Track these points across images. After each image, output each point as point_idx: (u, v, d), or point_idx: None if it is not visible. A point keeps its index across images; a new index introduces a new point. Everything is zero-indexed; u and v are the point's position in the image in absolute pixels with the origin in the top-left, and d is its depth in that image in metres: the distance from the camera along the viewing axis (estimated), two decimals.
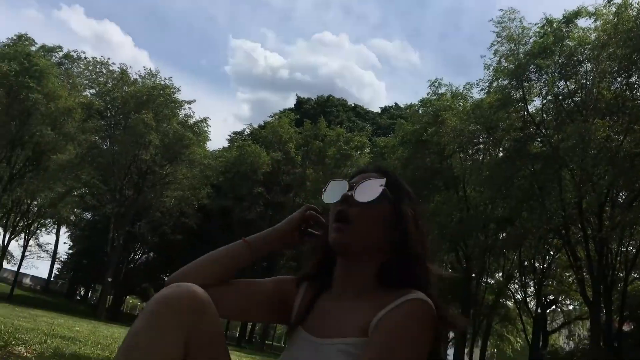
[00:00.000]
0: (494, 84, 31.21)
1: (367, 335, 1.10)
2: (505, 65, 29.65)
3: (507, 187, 29.91)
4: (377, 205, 1.19)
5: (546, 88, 28.67)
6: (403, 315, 1.10)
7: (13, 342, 6.63)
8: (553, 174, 26.91)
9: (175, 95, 40.51)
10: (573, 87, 28.11)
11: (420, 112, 39.97)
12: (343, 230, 1.17)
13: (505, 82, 30.06)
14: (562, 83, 28.34)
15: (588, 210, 26.49)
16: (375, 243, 1.20)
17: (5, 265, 48.35)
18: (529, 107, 30.35)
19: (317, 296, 1.28)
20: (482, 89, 33.61)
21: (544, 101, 29.54)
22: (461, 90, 37.84)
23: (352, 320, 1.15)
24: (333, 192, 1.24)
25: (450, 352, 44.52)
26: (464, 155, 37.45)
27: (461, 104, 36.89)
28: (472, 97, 36.79)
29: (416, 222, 1.25)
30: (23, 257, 42.84)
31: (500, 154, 33.03)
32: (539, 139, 30.01)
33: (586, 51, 26.62)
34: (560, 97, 28.32)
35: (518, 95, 29.95)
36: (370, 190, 1.19)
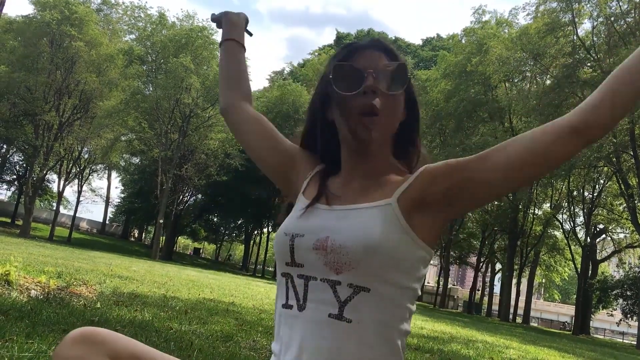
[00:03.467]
0: (541, 8, 29.89)
1: (391, 196, 1.13)
2: None
3: (555, 116, 29.02)
4: (400, 93, 1.16)
5: (597, 9, 27.26)
6: (438, 170, 1.14)
7: (74, 283, 6.98)
8: None
9: (214, 36, 40.29)
10: (626, 6, 26.61)
11: (463, 42, 38.79)
12: (375, 124, 1.13)
13: (554, 4, 28.73)
14: (614, 3, 26.86)
15: None
16: (394, 130, 1.19)
17: (62, 210, 50.51)
18: (578, 30, 29.07)
19: (325, 179, 1.26)
20: (528, 14, 32.32)
21: (595, 23, 28.17)
22: (506, 17, 36.43)
23: (372, 193, 1.15)
24: (347, 80, 1.15)
25: (498, 283, 44.79)
26: (509, 84, 36.42)
27: (506, 31, 35.63)
28: (517, 23, 35.47)
29: (417, 104, 1.25)
30: (78, 202, 44.58)
31: (548, 82, 31.97)
32: (589, 64, 28.84)
33: None
34: (612, 19, 26.91)
35: (567, 19, 28.66)
36: (394, 79, 1.14)
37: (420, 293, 1.14)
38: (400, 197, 1.12)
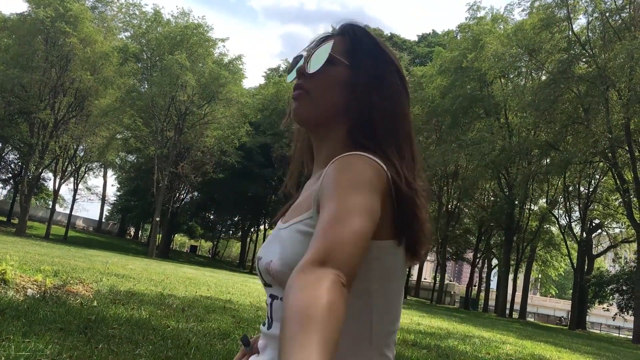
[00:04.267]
0: (537, 4, 29.92)
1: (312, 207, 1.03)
2: None
3: (550, 111, 29.13)
4: (331, 70, 1.11)
5: (592, 4, 27.29)
6: (335, 164, 0.99)
7: (71, 281, 6.97)
8: (599, 95, 25.97)
9: (209, 33, 40.25)
10: (621, 2, 26.66)
11: (458, 38, 38.82)
12: (300, 99, 1.12)
13: (549, 0, 28.77)
14: None
15: (636, 132, 25.67)
16: (334, 110, 1.12)
17: (58, 209, 50.41)
18: (573, 26, 29.10)
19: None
20: (523, 10, 32.37)
21: (590, 19, 28.20)
22: (502, 13, 36.47)
23: (308, 196, 1.08)
24: (292, 69, 1.16)
25: (494, 278, 44.93)
26: (505, 80, 36.47)
27: (502, 27, 35.68)
28: (512, 19, 35.51)
29: (379, 85, 1.13)
30: (74, 200, 44.50)
31: (543, 78, 32.02)
32: (584, 60, 28.90)
33: None
34: (607, 14, 26.94)
35: (562, 14, 28.70)
36: (318, 58, 1.12)
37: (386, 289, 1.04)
38: (316, 202, 1.02)
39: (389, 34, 62.39)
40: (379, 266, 1.01)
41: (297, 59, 1.18)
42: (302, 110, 1.13)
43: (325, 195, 0.94)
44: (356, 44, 1.14)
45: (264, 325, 1.12)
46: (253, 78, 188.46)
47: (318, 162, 1.17)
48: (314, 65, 1.12)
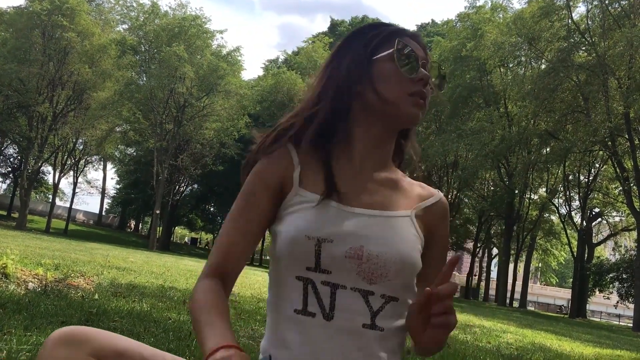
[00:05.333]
0: None
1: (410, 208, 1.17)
2: None
3: (550, 100, 29.07)
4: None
5: None
6: (447, 219, 1.24)
7: (72, 275, 6.98)
8: (599, 83, 25.91)
9: (207, 25, 40.08)
10: None
11: (458, 27, 38.68)
12: (424, 107, 1.16)
13: None
14: None
15: (636, 120, 25.62)
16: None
17: (58, 202, 50.41)
18: (573, 14, 28.99)
19: (327, 164, 1.16)
20: None
21: (590, 7, 28.10)
22: (501, 2, 36.30)
23: (392, 197, 1.17)
24: (406, 62, 1.14)
25: (494, 268, 45.01)
26: (504, 69, 36.37)
27: (501, 15, 35.54)
28: (512, 7, 35.38)
29: None
30: (74, 194, 44.49)
31: (543, 66, 31.94)
32: (584, 48, 28.81)
33: None
34: (606, 2, 26.84)
35: (562, 2, 28.59)
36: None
37: None
38: (419, 214, 1.17)
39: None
40: None
41: (417, 59, 1.15)
42: (420, 117, 1.17)
43: (443, 242, 1.21)
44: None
45: (310, 315, 1.05)
46: (251, 70, 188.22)
47: (365, 158, 1.17)
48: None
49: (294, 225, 1.09)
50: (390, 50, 1.14)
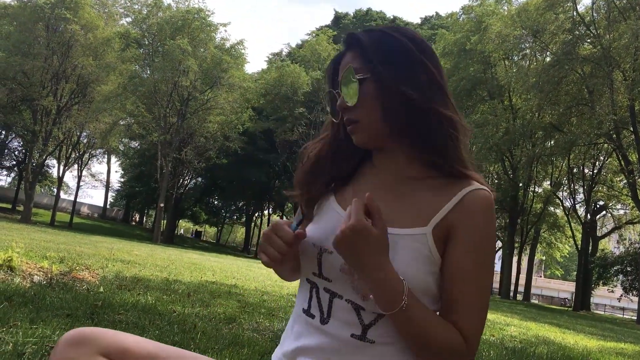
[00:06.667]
0: None
1: (426, 224, 1.07)
2: None
3: (555, 93, 28.95)
4: (363, 90, 1.11)
5: None
6: (480, 214, 1.08)
7: (77, 268, 7.01)
8: (604, 76, 25.77)
9: (210, 18, 40.00)
10: None
11: (462, 20, 38.51)
12: (356, 131, 1.14)
13: None
14: None
15: None
16: (386, 125, 1.12)
17: (62, 195, 50.58)
18: (578, 6, 28.81)
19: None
20: None
21: None
22: None
23: (406, 211, 1.10)
24: (333, 108, 1.20)
25: (498, 261, 45.00)
26: (509, 62, 36.22)
27: (505, 8, 35.35)
28: (516, 0, 35.16)
29: (406, 82, 1.10)
30: (78, 187, 44.62)
31: (548, 59, 31.77)
32: (589, 40, 28.63)
33: None
34: None
35: None
36: (351, 87, 1.12)
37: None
38: (437, 226, 1.08)
39: (392, 17, 61.94)
40: None
41: (331, 96, 1.20)
42: (361, 139, 1.15)
43: (468, 237, 1.07)
44: (365, 53, 1.13)
45: (310, 317, 1.11)
46: (255, 63, 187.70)
47: (380, 173, 1.18)
48: (352, 96, 1.13)
49: (309, 230, 1.16)
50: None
